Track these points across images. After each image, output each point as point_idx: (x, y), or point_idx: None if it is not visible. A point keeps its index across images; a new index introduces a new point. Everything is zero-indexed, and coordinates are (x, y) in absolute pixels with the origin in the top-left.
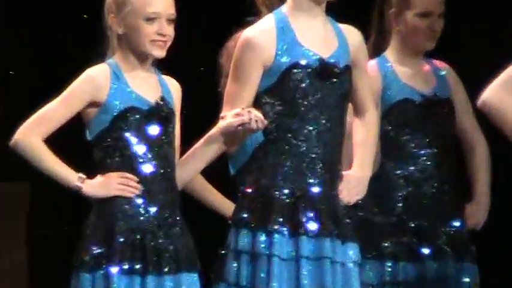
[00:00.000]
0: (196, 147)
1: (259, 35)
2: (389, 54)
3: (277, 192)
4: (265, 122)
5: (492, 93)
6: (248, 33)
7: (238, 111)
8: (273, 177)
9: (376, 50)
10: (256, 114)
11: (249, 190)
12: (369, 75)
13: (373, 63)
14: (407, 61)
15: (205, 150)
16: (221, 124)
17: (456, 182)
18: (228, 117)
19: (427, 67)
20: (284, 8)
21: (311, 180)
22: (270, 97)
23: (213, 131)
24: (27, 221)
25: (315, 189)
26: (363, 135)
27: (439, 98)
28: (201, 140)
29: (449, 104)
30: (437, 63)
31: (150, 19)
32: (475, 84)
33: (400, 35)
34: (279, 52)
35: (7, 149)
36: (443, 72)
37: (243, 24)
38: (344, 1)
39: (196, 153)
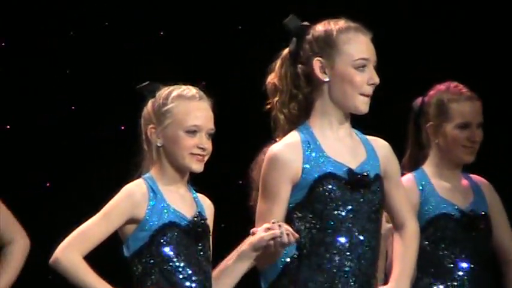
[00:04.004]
0: (228, 264)
1: (285, 151)
2: (427, 167)
3: None
4: (296, 235)
5: None
6: (273, 149)
7: (268, 225)
8: None
9: (413, 163)
10: (287, 227)
11: None
12: (405, 187)
13: (410, 177)
14: (445, 175)
15: (238, 266)
16: (252, 239)
17: None
18: (259, 232)
19: (465, 182)
20: (309, 122)
21: None
22: (301, 212)
23: (245, 247)
24: None
25: None
26: (402, 249)
27: (476, 213)
28: (233, 257)
29: (487, 220)
30: (475, 178)
31: (190, 132)
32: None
33: (438, 148)
34: (306, 166)
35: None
36: (481, 188)
37: (273, 139)
38: (377, 114)
39: (228, 269)
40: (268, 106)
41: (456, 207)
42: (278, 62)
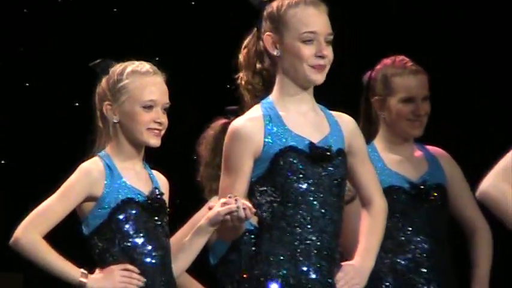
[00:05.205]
0: (186, 240)
1: (246, 125)
2: (378, 141)
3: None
4: (254, 209)
5: (491, 183)
6: (235, 123)
7: (225, 200)
8: (267, 266)
9: (365, 138)
10: (244, 202)
11: (244, 279)
12: (371, 162)
13: None
14: (395, 148)
15: (195, 241)
16: (209, 214)
17: (448, 271)
18: (216, 207)
19: (418, 153)
20: (271, 96)
21: (305, 268)
22: (262, 185)
23: (202, 222)
24: None
25: (310, 276)
26: (369, 225)
27: (428, 184)
28: (190, 233)
29: (441, 191)
30: (432, 149)
31: (147, 107)
32: (473, 169)
33: (385, 122)
34: (267, 140)
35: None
36: (437, 158)
37: (225, 113)
38: (334, 87)
39: (186, 244)
40: (238, 81)
41: (406, 179)
42: (247, 39)
